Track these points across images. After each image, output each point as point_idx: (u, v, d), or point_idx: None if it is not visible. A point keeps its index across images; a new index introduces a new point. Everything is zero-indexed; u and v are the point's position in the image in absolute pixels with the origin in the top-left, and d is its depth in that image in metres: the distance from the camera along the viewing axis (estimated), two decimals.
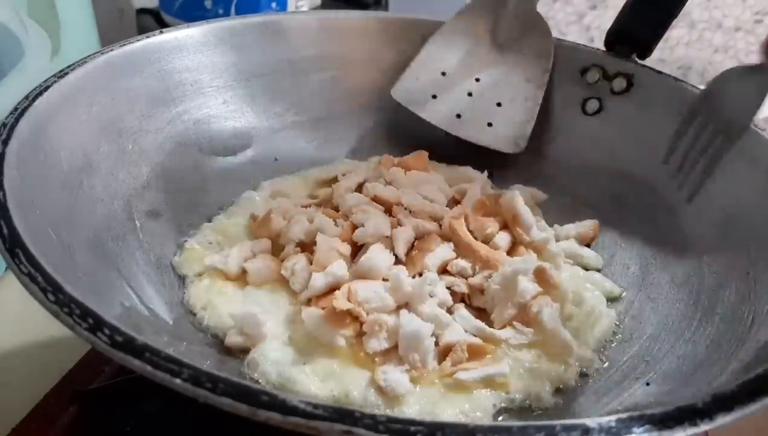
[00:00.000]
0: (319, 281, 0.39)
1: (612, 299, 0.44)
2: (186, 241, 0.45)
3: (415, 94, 0.52)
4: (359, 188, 0.48)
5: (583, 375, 0.38)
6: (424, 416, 0.33)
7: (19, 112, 0.36)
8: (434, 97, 0.52)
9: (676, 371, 0.35)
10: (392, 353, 0.36)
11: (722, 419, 0.23)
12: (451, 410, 0.34)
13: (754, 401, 0.24)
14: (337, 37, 0.57)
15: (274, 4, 0.84)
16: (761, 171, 0.41)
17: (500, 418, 0.35)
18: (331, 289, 0.39)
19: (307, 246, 0.43)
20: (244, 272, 0.42)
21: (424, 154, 0.51)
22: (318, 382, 0.35)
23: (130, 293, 0.37)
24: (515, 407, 0.36)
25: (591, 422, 0.21)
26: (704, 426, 0.22)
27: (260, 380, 0.35)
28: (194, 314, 0.40)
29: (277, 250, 0.44)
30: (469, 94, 0.52)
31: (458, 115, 0.52)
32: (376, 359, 0.36)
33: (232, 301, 0.40)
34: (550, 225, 0.49)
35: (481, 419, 0.34)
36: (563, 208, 0.51)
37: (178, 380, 0.22)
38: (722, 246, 0.41)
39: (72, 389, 0.39)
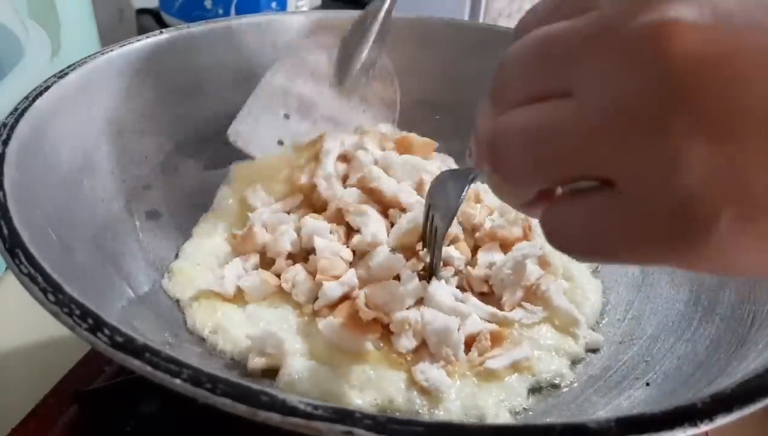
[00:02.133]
0: (333, 291, 0.38)
1: (594, 271, 0.46)
2: (172, 263, 0.44)
3: (256, 137, 0.48)
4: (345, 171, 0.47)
5: (593, 350, 0.40)
6: (463, 412, 0.35)
7: (19, 112, 0.36)
8: (281, 143, 0.50)
9: (676, 371, 0.35)
10: (422, 350, 0.37)
11: (722, 419, 0.22)
12: (490, 400, 0.35)
13: (754, 401, 0.24)
14: (337, 37, 0.57)
15: (274, 4, 0.84)
16: None
17: (532, 400, 0.37)
18: (343, 297, 0.39)
19: (297, 256, 0.43)
20: (240, 289, 0.41)
21: (433, 144, 0.50)
22: (358, 392, 0.35)
23: (130, 293, 0.37)
24: (544, 386, 0.37)
25: (591, 422, 0.21)
26: (704, 426, 0.22)
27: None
28: (204, 340, 0.39)
29: (265, 262, 0.43)
30: None
31: None
32: (408, 358, 0.37)
33: (240, 322, 0.39)
34: None
35: (520, 404, 0.36)
36: None
37: (178, 380, 0.22)
38: None
39: (72, 389, 0.39)
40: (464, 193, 0.37)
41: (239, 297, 0.41)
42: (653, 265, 0.21)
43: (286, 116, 0.48)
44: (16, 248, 0.27)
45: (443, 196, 0.38)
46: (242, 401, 0.21)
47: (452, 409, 0.34)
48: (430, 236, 0.39)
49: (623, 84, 0.19)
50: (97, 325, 0.24)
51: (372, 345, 0.36)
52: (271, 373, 0.36)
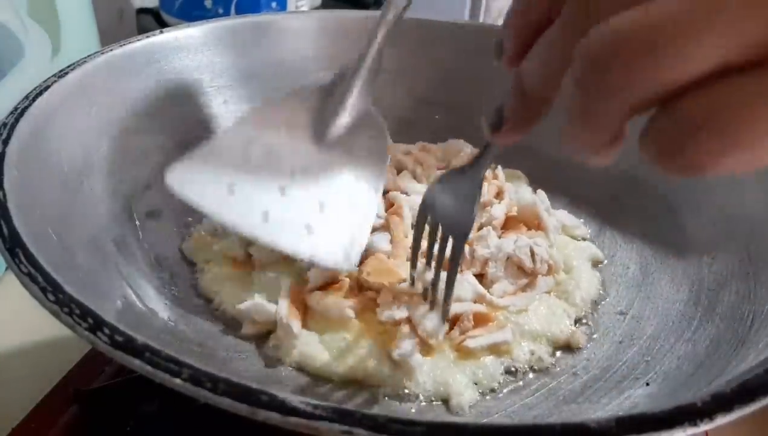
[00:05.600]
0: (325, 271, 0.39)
1: (596, 263, 0.46)
2: (193, 229, 0.46)
3: (201, 183, 0.38)
4: None
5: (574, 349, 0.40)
6: (432, 387, 0.36)
7: (19, 112, 0.36)
8: (231, 191, 0.38)
9: (676, 371, 0.35)
10: (404, 323, 0.37)
11: (722, 419, 0.22)
12: (462, 377, 0.36)
13: (754, 401, 0.24)
14: (336, 37, 0.57)
15: (274, 4, 0.84)
16: (761, 171, 0.41)
17: (505, 382, 0.37)
18: (332, 281, 0.40)
19: None
20: (250, 256, 0.43)
21: None
22: (335, 359, 0.37)
23: (129, 292, 0.37)
24: (520, 369, 0.38)
25: (591, 422, 0.21)
26: (704, 426, 0.22)
27: (284, 361, 0.37)
28: (210, 301, 0.41)
29: None
30: (281, 191, 0.39)
31: (265, 215, 0.37)
32: (388, 329, 0.38)
33: (242, 287, 0.41)
34: None
35: (490, 384, 0.36)
36: (563, 208, 0.51)
37: (178, 380, 0.22)
38: (722, 246, 0.41)
39: (72, 389, 0.39)
40: (477, 201, 0.32)
41: (248, 264, 0.43)
42: None
43: (246, 163, 0.39)
44: (16, 248, 0.27)
45: (449, 206, 0.33)
46: (242, 401, 0.21)
47: (422, 382, 0.36)
48: (433, 256, 0.36)
49: None
50: (97, 324, 0.24)
51: (353, 313, 0.38)
52: (267, 335, 0.39)
